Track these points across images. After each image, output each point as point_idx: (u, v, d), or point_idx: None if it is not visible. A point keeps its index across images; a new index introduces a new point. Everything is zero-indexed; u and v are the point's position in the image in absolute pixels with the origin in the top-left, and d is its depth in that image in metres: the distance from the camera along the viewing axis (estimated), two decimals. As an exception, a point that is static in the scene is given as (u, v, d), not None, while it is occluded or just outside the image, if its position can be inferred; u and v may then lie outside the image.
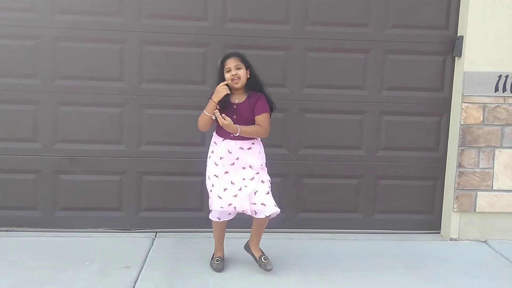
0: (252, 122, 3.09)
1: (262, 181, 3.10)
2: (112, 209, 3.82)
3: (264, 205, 3.06)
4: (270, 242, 3.67)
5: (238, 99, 3.09)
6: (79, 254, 3.37)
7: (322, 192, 3.93)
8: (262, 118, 3.07)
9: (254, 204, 3.06)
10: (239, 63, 3.06)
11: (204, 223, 3.74)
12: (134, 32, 3.68)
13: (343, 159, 3.91)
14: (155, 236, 3.74)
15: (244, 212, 3.12)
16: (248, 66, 3.10)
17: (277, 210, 3.08)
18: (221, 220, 3.18)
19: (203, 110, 3.08)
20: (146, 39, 3.70)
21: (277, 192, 3.81)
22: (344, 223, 3.97)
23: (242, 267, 3.25)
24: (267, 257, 3.18)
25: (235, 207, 3.09)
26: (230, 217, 3.19)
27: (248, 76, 3.09)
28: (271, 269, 3.13)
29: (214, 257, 3.26)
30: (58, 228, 3.77)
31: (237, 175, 3.09)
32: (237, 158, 3.09)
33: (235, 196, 3.08)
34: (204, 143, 3.69)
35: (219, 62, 3.13)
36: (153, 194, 3.83)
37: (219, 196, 3.10)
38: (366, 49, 3.83)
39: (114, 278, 3.03)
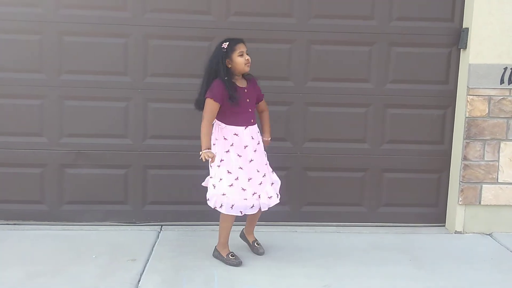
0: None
1: (272, 171, 3.30)
2: (118, 203, 3.85)
3: (278, 195, 3.26)
4: (275, 235, 3.69)
5: (241, 83, 3.15)
6: (86, 247, 3.40)
7: (326, 185, 3.93)
8: (264, 103, 3.33)
9: (268, 193, 3.20)
10: (246, 49, 3.14)
11: (209, 216, 3.76)
12: (139, 26, 3.69)
13: (348, 152, 3.91)
14: (161, 229, 3.77)
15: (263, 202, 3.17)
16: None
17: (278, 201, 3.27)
18: (242, 214, 3.12)
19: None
20: (150, 33, 3.71)
21: (282, 186, 3.82)
22: (349, 216, 3.97)
23: (248, 258, 3.26)
24: (259, 242, 3.38)
25: (259, 196, 3.13)
26: (253, 210, 3.12)
27: None
28: (263, 252, 3.33)
29: (227, 253, 3.18)
30: (65, 221, 3.80)
31: (260, 162, 3.16)
32: (258, 143, 3.16)
33: (260, 184, 3.14)
34: (208, 136, 3.70)
35: (224, 44, 3.07)
36: (158, 188, 3.86)
37: (243, 188, 3.07)
38: (370, 41, 3.82)
39: (121, 271, 3.06)
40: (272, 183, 3.26)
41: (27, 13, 3.62)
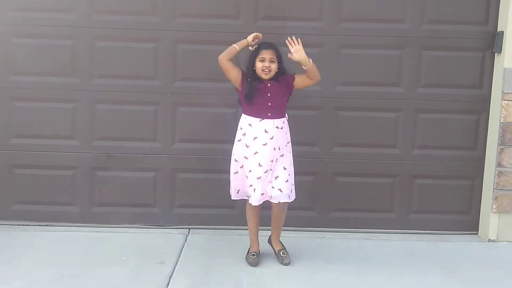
0: (284, 101, 3.20)
1: (284, 168, 3.14)
2: (146, 205, 3.89)
3: (281, 191, 3.11)
4: (303, 241, 3.66)
5: (268, 81, 3.17)
6: (115, 249, 3.44)
7: (355, 191, 3.88)
8: (301, 76, 3.20)
9: (273, 188, 3.12)
10: (274, 56, 3.12)
11: (237, 220, 3.77)
12: (169, 31, 3.72)
13: (377, 158, 3.85)
14: (189, 233, 3.79)
15: (264, 195, 3.15)
16: (280, 60, 3.15)
17: (287, 200, 3.15)
18: (239, 197, 3.25)
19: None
20: (180, 38, 3.74)
21: (310, 191, 3.82)
22: (378, 223, 3.91)
23: (277, 264, 3.25)
24: (286, 251, 3.30)
25: (254, 189, 3.13)
26: (251, 201, 3.15)
27: (277, 70, 3.15)
28: (289, 263, 3.23)
29: (249, 251, 3.29)
30: (95, 223, 3.86)
31: (265, 157, 3.11)
32: (271, 138, 3.12)
33: (259, 178, 3.12)
34: (237, 140, 3.70)
35: (253, 48, 3.16)
36: (186, 191, 3.88)
37: (246, 176, 3.17)
38: (401, 45, 3.76)
39: (150, 273, 3.08)
40: (277, 177, 3.15)
41: (60, 18, 3.70)
